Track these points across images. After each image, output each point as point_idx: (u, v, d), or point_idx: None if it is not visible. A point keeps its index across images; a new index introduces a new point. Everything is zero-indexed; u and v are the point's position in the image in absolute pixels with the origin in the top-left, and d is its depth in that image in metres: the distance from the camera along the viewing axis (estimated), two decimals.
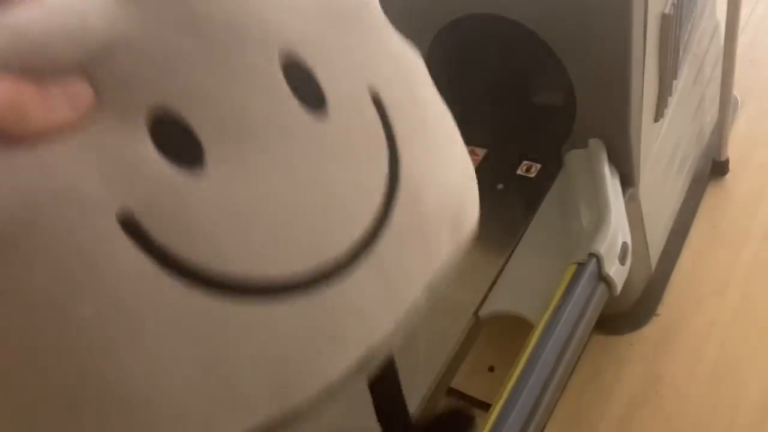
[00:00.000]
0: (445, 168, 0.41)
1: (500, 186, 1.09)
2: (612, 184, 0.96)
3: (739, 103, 1.63)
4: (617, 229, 0.90)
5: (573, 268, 0.90)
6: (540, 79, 1.13)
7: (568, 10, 0.91)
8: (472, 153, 1.15)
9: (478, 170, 1.13)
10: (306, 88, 0.34)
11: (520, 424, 0.81)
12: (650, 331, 1.29)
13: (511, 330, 1.31)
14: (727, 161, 1.50)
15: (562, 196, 1.04)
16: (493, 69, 1.13)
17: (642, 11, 0.90)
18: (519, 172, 1.10)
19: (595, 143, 1.00)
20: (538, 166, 1.10)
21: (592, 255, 0.88)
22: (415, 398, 0.89)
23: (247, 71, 0.31)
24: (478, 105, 1.15)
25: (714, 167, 1.51)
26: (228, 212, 0.30)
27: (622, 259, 0.91)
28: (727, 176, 1.51)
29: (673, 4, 1.01)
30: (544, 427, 0.89)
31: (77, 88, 0.28)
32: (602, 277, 0.89)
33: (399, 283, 0.36)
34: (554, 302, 0.88)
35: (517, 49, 1.03)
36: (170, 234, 0.29)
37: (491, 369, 1.30)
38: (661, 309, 1.31)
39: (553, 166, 1.08)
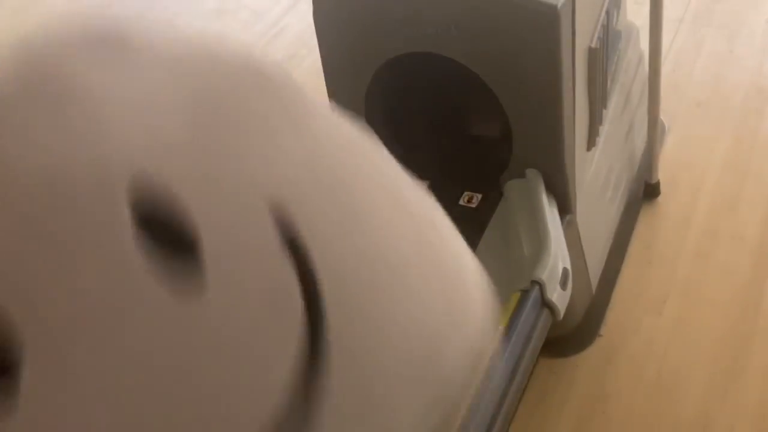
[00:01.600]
0: (415, 287, 0.28)
1: None
2: (550, 212, 0.99)
3: (666, 128, 1.71)
4: (557, 256, 0.93)
5: (517, 295, 0.92)
6: (478, 113, 1.17)
7: (500, 48, 0.95)
8: None
9: None
10: (172, 237, 0.23)
11: None
12: (594, 352, 1.32)
13: None
14: (658, 183, 1.57)
15: (503, 225, 1.06)
16: (432, 104, 1.16)
17: (570, 46, 0.95)
18: (461, 202, 1.12)
19: (531, 173, 1.04)
20: (479, 196, 1.12)
21: (534, 282, 0.90)
22: None
23: (78, 240, 0.22)
24: (418, 139, 1.18)
25: (646, 190, 1.57)
26: None
27: (564, 285, 0.94)
28: (659, 198, 1.58)
29: (599, 38, 1.06)
30: None
31: None
32: (545, 303, 0.91)
33: None
34: (500, 331, 0.90)
35: (455, 85, 1.06)
36: None
37: None
38: (604, 330, 1.35)
39: (493, 196, 1.11)
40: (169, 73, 0.25)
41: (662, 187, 1.57)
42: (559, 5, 0.89)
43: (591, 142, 1.13)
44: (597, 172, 1.23)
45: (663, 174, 1.57)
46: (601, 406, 1.24)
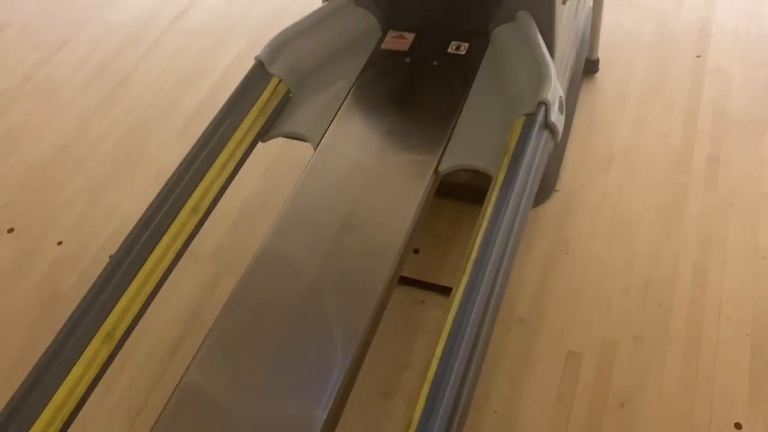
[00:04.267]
0: None
1: (435, 63, 1.16)
2: (544, 46, 1.07)
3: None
4: (557, 85, 1.01)
5: (522, 119, 1.00)
6: None
7: None
8: (401, 38, 1.21)
9: (410, 52, 1.20)
10: None
11: (495, 269, 0.87)
12: (553, 204, 1.44)
13: (430, 215, 1.41)
14: (597, 60, 1.69)
15: (495, 65, 1.13)
16: None
17: None
18: (450, 50, 1.18)
19: (523, 14, 1.11)
20: (466, 44, 1.18)
21: (541, 104, 0.98)
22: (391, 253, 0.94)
23: None
24: None
25: (586, 66, 1.69)
26: None
27: (561, 109, 1.02)
28: (597, 74, 1.71)
29: None
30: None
31: None
32: (548, 125, 0.99)
33: None
34: (510, 152, 0.97)
35: None
36: None
37: (416, 251, 1.39)
38: (559, 185, 1.47)
39: (480, 43, 1.18)
40: None
41: (600, 65, 1.70)
42: None
43: None
44: (563, 32, 1.31)
45: (599, 54, 1.70)
46: (564, 249, 1.37)
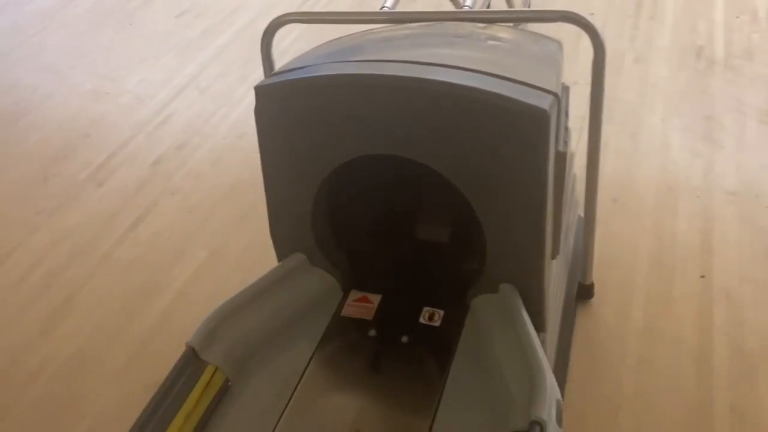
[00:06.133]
0: None
1: (405, 339, 0.97)
2: (534, 335, 0.88)
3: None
4: (554, 390, 0.81)
5: None
6: (441, 221, 1.06)
7: (480, 152, 0.85)
8: (365, 300, 1.03)
9: (376, 321, 1.02)
10: None
11: None
12: None
13: None
14: (592, 285, 1.52)
15: (477, 347, 0.94)
16: (388, 210, 1.04)
17: (553, 152, 0.87)
18: (422, 320, 0.99)
19: (507, 289, 0.93)
20: (441, 312, 1.00)
21: (534, 423, 0.78)
22: None
23: None
24: (371, 248, 1.05)
25: (580, 291, 1.52)
26: None
27: (559, 421, 0.82)
28: (593, 299, 1.53)
29: (564, 141, 0.99)
30: None
31: None
32: None
33: None
34: None
35: (418, 190, 0.95)
36: None
37: None
38: None
39: (457, 313, 0.99)
40: None
41: (594, 288, 1.53)
42: (548, 107, 0.81)
43: (556, 250, 1.04)
44: (555, 281, 1.14)
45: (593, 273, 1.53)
46: None
